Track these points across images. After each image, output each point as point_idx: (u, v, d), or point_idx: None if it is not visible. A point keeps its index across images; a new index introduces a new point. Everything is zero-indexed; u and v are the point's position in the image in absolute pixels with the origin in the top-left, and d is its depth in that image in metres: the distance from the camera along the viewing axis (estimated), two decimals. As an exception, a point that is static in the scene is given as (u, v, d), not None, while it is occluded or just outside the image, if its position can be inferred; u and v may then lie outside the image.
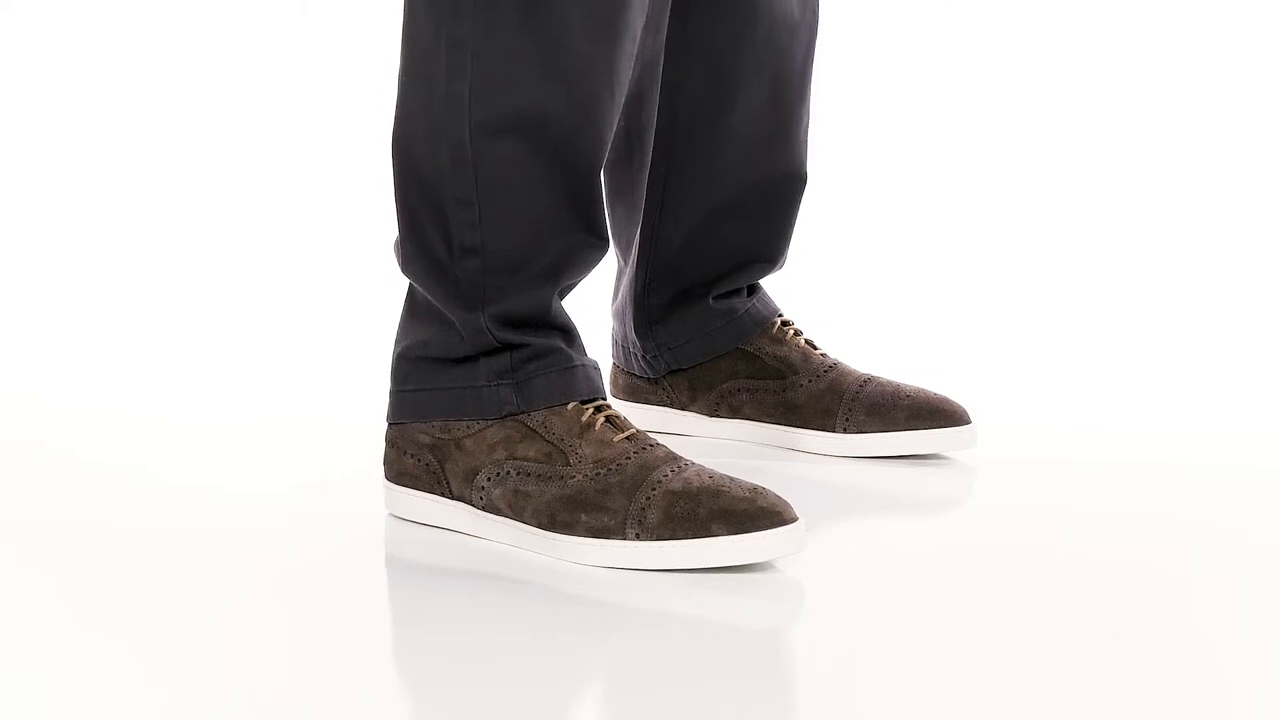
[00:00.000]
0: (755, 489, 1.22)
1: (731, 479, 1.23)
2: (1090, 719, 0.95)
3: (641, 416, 1.60)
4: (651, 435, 1.31)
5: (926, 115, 2.55)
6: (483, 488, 1.27)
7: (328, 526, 1.32)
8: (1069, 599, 1.17)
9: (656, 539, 1.20)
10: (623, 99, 1.29)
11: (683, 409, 1.61)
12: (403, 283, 1.33)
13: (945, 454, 1.53)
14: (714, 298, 1.59)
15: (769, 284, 1.65)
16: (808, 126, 1.60)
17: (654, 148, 1.53)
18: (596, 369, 1.32)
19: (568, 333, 1.31)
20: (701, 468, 1.24)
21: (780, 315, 1.61)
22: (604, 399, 1.30)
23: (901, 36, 2.56)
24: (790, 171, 1.58)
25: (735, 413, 1.59)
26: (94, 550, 1.25)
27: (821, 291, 2.04)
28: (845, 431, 1.53)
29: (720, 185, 1.56)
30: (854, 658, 1.06)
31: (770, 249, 1.60)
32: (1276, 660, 1.05)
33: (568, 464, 1.25)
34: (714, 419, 1.60)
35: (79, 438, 1.63)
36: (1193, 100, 2.51)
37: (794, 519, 1.20)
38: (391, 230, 1.32)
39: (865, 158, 2.49)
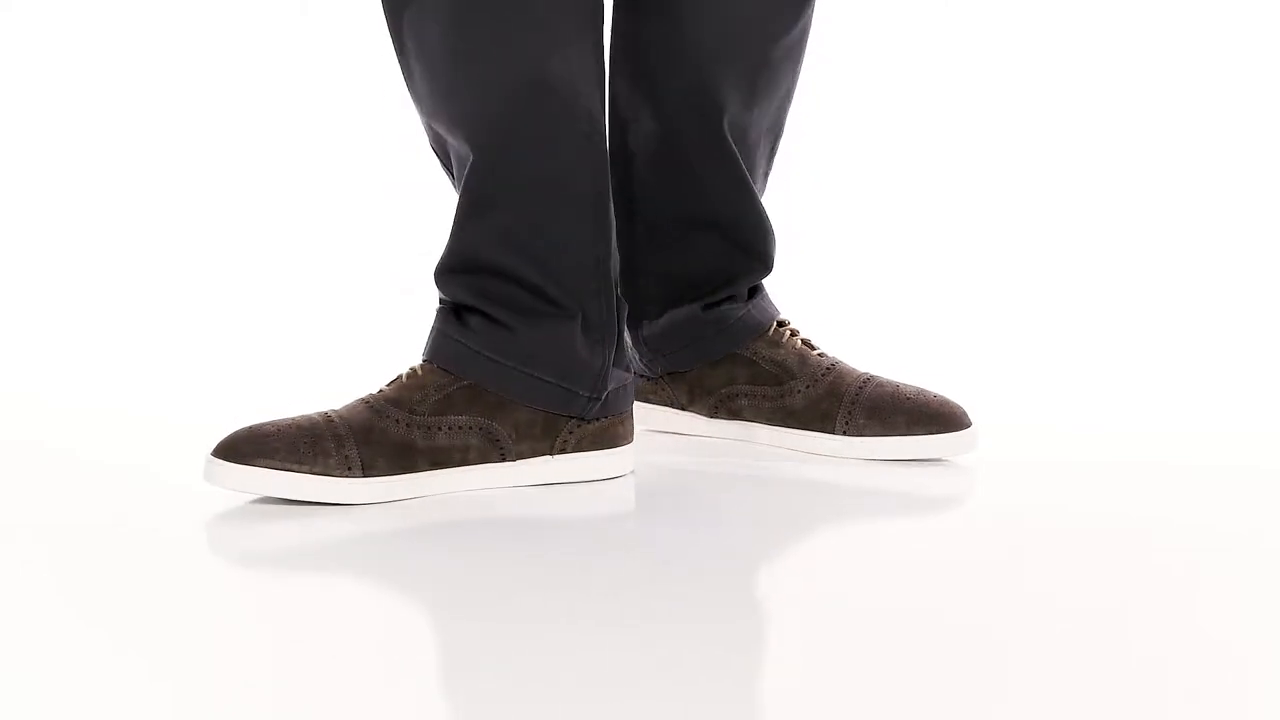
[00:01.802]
0: None
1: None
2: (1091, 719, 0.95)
3: (641, 414, 1.60)
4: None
5: (925, 114, 2.55)
6: None
7: (327, 526, 1.32)
8: (1069, 600, 1.17)
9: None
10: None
11: (681, 409, 1.61)
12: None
13: (945, 458, 1.53)
14: (704, 307, 1.58)
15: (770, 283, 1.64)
16: (773, 147, 1.58)
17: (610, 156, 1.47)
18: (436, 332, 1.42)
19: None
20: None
21: (777, 318, 1.61)
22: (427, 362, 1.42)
23: (900, 34, 2.56)
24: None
25: (735, 416, 1.59)
26: (94, 550, 1.25)
27: (821, 291, 2.04)
28: (845, 434, 1.53)
29: (671, 200, 1.56)
30: (851, 659, 1.06)
31: (750, 259, 1.58)
32: (1277, 660, 1.05)
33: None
34: (714, 420, 1.60)
35: (79, 438, 1.63)
36: (1192, 99, 2.51)
37: None
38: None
39: (864, 156, 2.49)
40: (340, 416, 1.37)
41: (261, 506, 1.36)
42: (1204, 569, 1.24)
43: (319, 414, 1.37)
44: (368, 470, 1.35)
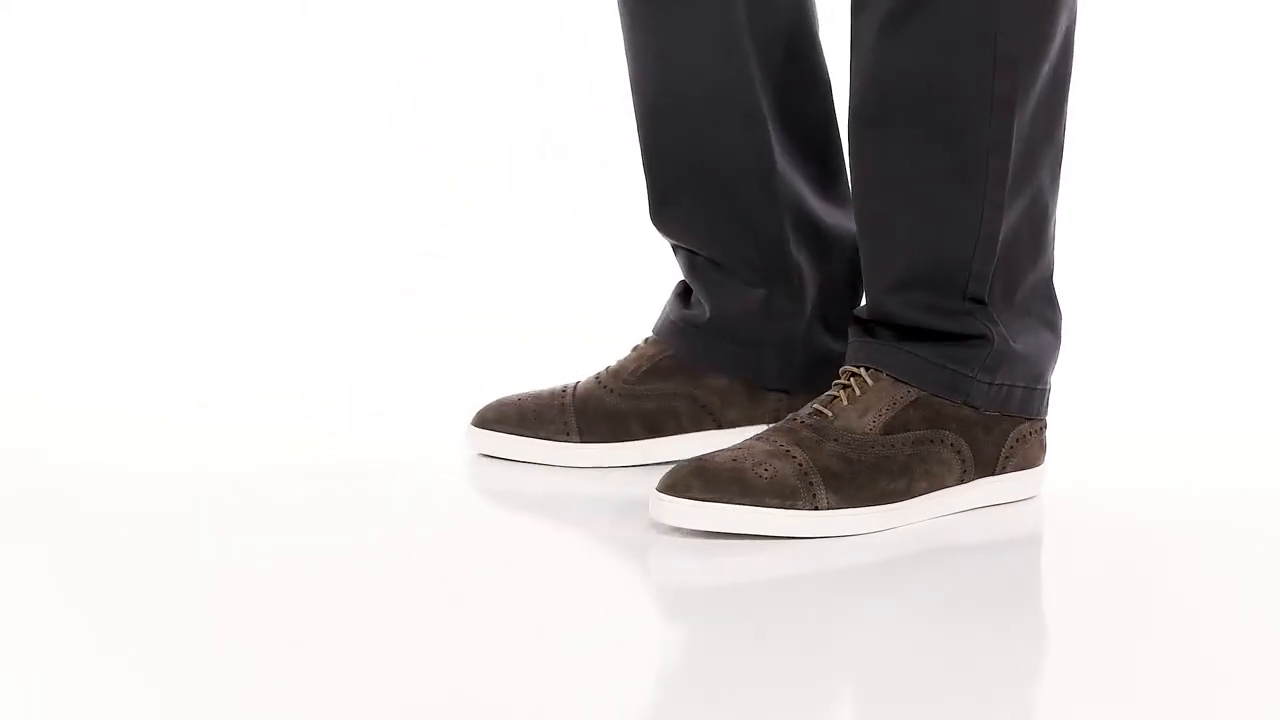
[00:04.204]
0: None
1: None
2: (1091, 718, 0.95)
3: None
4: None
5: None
6: None
7: (328, 525, 1.32)
8: (1069, 600, 1.17)
9: None
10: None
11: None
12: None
13: None
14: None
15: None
16: None
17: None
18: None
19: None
20: None
21: None
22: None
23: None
24: None
25: None
26: (95, 551, 1.25)
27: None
28: None
29: None
30: (847, 658, 1.06)
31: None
32: (1276, 662, 1.05)
33: None
34: None
35: (79, 438, 1.63)
36: (1192, 98, 2.50)
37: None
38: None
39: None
40: (574, 387, 1.49)
41: (259, 511, 1.36)
42: (1206, 569, 1.24)
43: (561, 386, 1.50)
44: (584, 436, 1.45)
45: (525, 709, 0.96)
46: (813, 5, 1.46)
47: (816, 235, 1.46)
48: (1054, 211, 1.36)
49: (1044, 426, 1.39)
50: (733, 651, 1.07)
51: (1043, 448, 1.39)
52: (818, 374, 1.45)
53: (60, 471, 1.50)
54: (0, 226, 2.42)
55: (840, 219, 1.48)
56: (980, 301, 1.33)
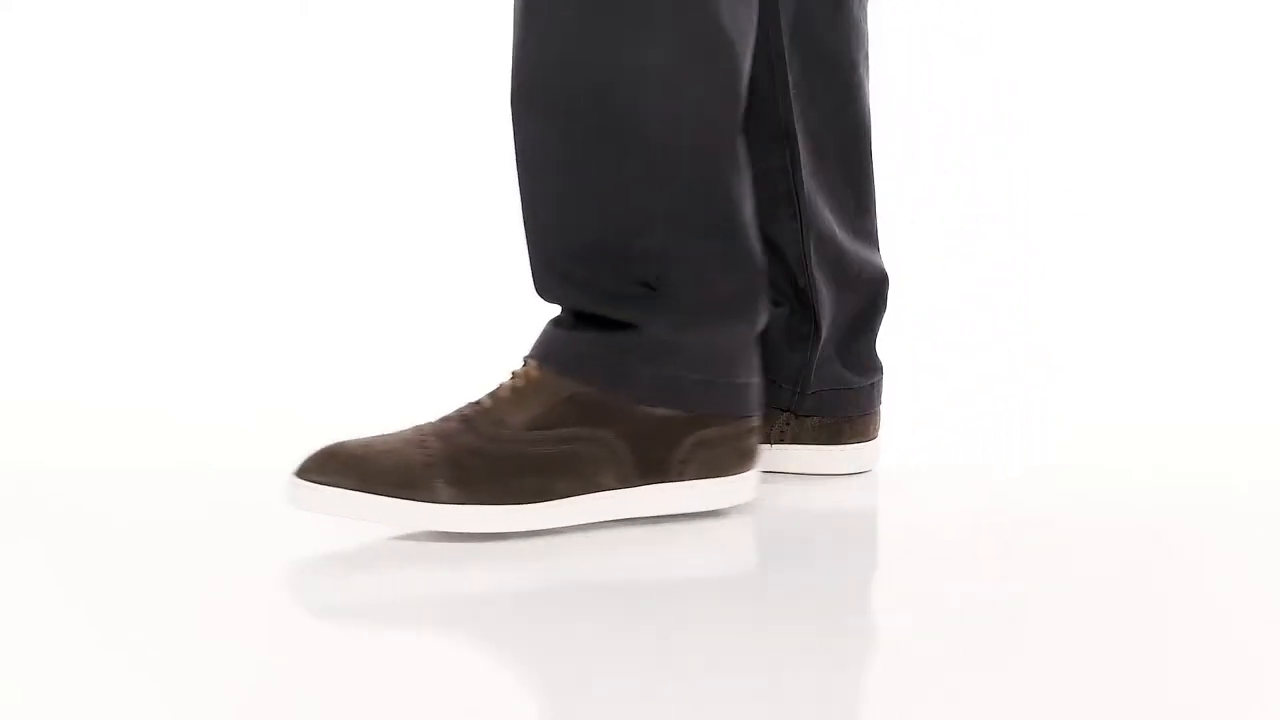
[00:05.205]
0: None
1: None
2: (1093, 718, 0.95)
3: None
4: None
5: (926, 109, 2.55)
6: None
7: (327, 524, 1.32)
8: (1069, 599, 1.17)
9: None
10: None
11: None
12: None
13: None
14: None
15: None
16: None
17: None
18: None
19: None
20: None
21: None
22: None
23: (908, 30, 2.56)
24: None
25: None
26: (93, 550, 1.26)
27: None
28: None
29: None
30: (845, 657, 1.06)
31: None
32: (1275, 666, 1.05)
33: None
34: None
35: (77, 437, 1.63)
36: (1194, 96, 2.51)
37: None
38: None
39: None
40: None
41: (261, 511, 1.36)
42: (1210, 568, 1.24)
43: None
44: None
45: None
46: (857, 34, 1.45)
47: (839, 262, 1.44)
48: (740, 192, 1.29)
49: (749, 430, 1.31)
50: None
51: (743, 455, 1.31)
52: (828, 400, 1.45)
53: (58, 470, 1.50)
54: (0, 226, 2.43)
55: (865, 252, 1.46)
56: (648, 286, 1.27)
